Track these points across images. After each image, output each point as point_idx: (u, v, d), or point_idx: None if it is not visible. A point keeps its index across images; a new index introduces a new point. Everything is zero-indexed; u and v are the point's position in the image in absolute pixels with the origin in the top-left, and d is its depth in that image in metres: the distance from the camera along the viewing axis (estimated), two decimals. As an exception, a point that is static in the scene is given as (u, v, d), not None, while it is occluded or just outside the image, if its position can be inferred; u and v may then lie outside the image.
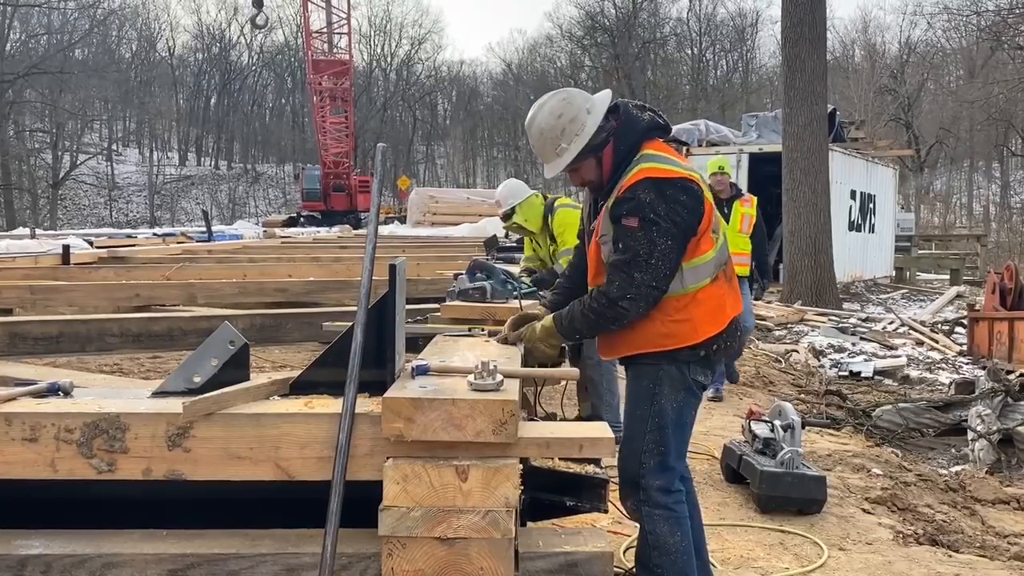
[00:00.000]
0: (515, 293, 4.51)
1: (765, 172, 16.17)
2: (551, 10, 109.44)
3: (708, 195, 2.87)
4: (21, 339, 5.41)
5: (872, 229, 20.07)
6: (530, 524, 2.51)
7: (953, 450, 7.04)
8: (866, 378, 9.50)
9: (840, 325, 12.74)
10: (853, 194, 18.64)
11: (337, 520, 2.10)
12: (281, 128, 66.34)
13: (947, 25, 46.48)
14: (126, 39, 63.33)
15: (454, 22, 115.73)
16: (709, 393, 6.64)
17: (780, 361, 9.87)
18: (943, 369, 10.23)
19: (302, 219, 39.97)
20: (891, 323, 13.34)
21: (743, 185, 12.36)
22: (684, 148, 16.95)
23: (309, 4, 40.99)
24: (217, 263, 11.09)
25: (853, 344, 11.31)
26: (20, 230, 28.91)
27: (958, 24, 44.63)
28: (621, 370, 3.22)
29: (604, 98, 2.90)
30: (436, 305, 4.98)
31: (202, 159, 65.87)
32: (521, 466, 2.19)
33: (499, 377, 2.30)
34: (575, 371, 3.15)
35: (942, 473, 5.90)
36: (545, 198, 5.86)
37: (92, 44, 57.44)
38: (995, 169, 50.24)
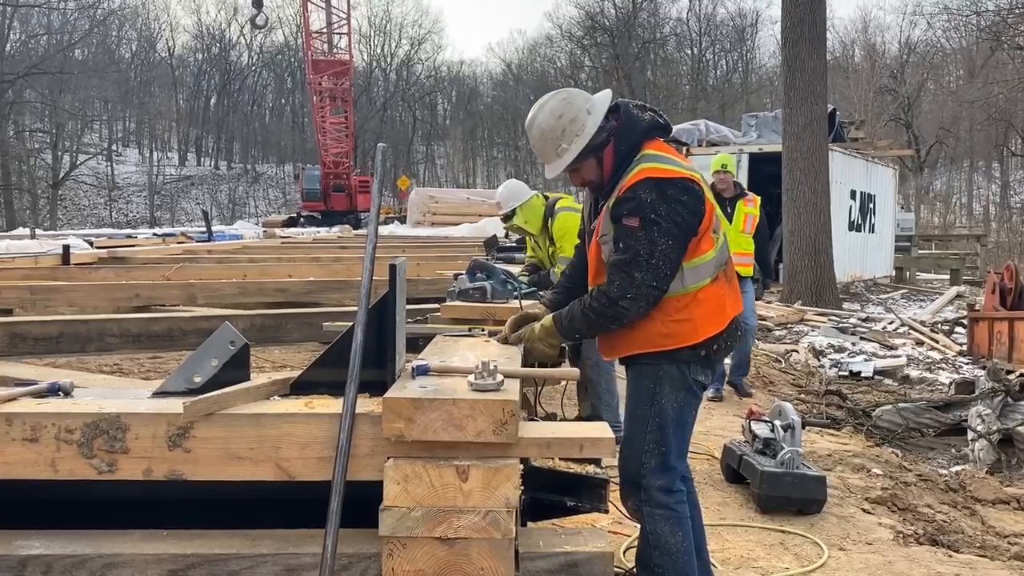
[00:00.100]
0: (515, 293, 4.51)
1: (765, 172, 16.16)
2: (551, 10, 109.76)
3: (709, 195, 2.87)
4: (21, 339, 5.43)
5: (872, 229, 20.06)
6: (530, 524, 2.51)
7: (953, 450, 7.04)
8: (866, 378, 9.50)
9: (840, 325, 12.73)
10: (853, 194, 18.63)
11: (337, 520, 2.10)
12: (281, 128, 66.33)
13: (947, 25, 46.54)
14: (126, 39, 63.38)
15: (454, 22, 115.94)
16: (709, 393, 6.62)
17: (780, 361, 9.87)
18: (943, 369, 10.23)
19: (302, 219, 39.95)
20: (891, 323, 13.34)
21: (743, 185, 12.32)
22: (684, 148, 16.95)
23: (309, 4, 41.00)
24: (217, 263, 11.10)
25: (853, 344, 11.30)
26: (20, 230, 28.84)
27: (958, 24, 44.66)
28: (621, 370, 3.21)
29: (604, 98, 2.90)
30: (436, 305, 4.98)
31: (202, 159, 65.86)
32: (521, 466, 2.19)
33: (499, 377, 2.30)
34: (575, 371, 3.15)
35: (942, 473, 5.90)
36: (546, 198, 5.85)
37: (92, 44, 57.41)
38: (995, 169, 50.24)
